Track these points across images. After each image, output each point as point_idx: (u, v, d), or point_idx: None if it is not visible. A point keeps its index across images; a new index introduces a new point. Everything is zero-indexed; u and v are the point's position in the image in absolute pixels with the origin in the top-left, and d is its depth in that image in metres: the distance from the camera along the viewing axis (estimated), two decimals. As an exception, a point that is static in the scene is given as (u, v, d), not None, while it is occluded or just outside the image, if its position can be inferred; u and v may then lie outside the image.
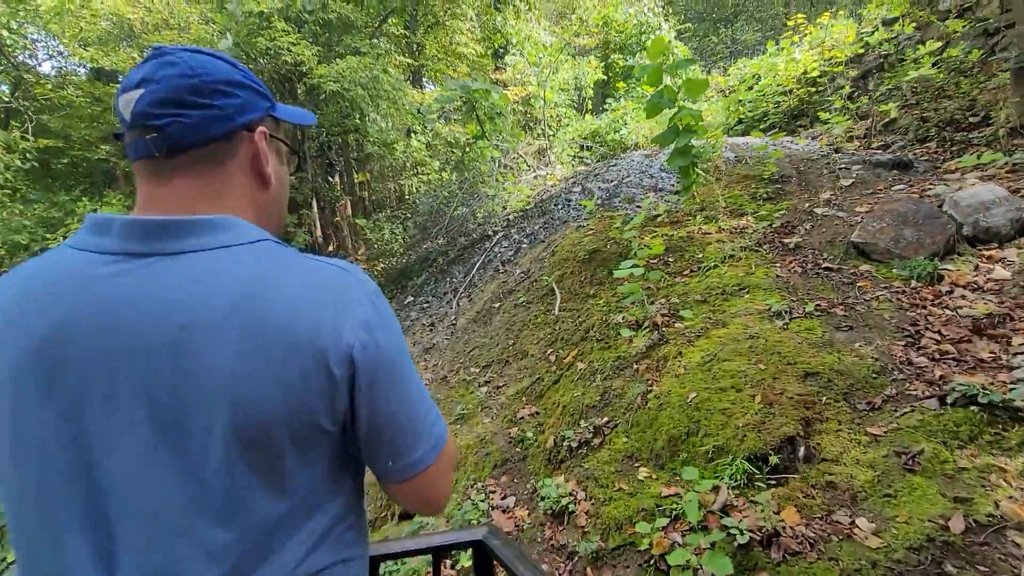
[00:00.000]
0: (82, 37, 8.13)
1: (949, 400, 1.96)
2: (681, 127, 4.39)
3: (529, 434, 3.00)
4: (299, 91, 7.94)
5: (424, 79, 13.04)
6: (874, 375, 2.20)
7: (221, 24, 5.67)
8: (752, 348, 2.53)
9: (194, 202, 0.66)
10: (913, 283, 2.94)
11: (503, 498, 2.72)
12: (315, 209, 9.22)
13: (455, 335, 4.75)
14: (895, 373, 2.19)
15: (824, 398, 2.12)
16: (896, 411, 1.99)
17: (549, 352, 3.71)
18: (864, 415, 2.02)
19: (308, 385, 0.58)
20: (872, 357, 2.29)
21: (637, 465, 2.34)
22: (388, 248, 8.03)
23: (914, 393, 2.06)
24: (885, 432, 1.91)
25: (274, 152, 0.76)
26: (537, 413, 3.25)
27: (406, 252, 7.82)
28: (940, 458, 1.80)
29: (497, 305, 4.68)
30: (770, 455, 1.99)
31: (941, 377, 2.10)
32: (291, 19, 6.02)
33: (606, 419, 2.68)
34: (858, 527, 1.70)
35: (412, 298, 6.16)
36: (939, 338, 2.35)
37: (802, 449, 1.98)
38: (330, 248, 12.43)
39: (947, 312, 2.58)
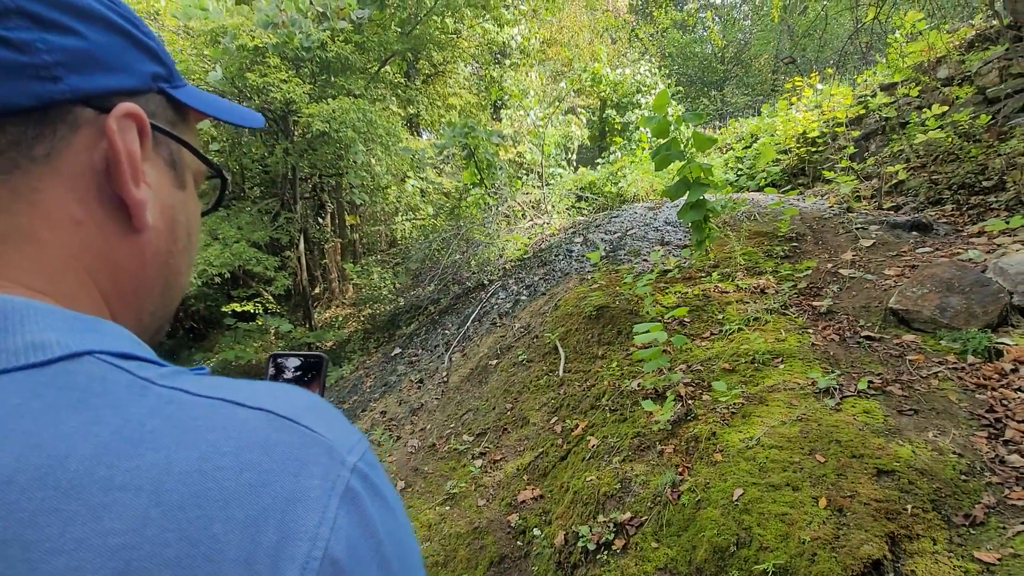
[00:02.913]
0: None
1: (1066, 515, 1.58)
2: (691, 180, 4.18)
3: (535, 528, 2.53)
4: (294, 132, 7.76)
5: (421, 127, 13.08)
6: (963, 476, 1.81)
7: (212, 56, 5.48)
8: (803, 433, 2.15)
9: None
10: (970, 358, 2.61)
11: (502, 611, 2.23)
12: (302, 250, 8.85)
13: (446, 395, 4.30)
14: (987, 475, 1.81)
15: (909, 506, 1.72)
16: (1005, 528, 1.60)
17: (554, 421, 3.27)
18: (965, 533, 1.63)
19: None
20: (953, 452, 1.92)
21: (674, 582, 1.89)
22: (376, 294, 7.63)
23: (1021, 504, 1.67)
24: (999, 559, 1.51)
25: (163, 164, 0.39)
26: (541, 497, 2.78)
27: (396, 298, 7.42)
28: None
29: (494, 363, 4.27)
30: (851, 583, 1.57)
31: (1048, 483, 1.72)
32: (288, 57, 5.86)
33: (629, 515, 2.24)
34: None
35: (400, 350, 5.71)
36: (1027, 429, 1.99)
37: (892, 577, 1.56)
38: (316, 290, 12.00)
39: (1022, 395, 2.24)
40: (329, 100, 5.92)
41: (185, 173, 0.42)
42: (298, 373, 0.62)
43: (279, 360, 0.63)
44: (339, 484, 0.29)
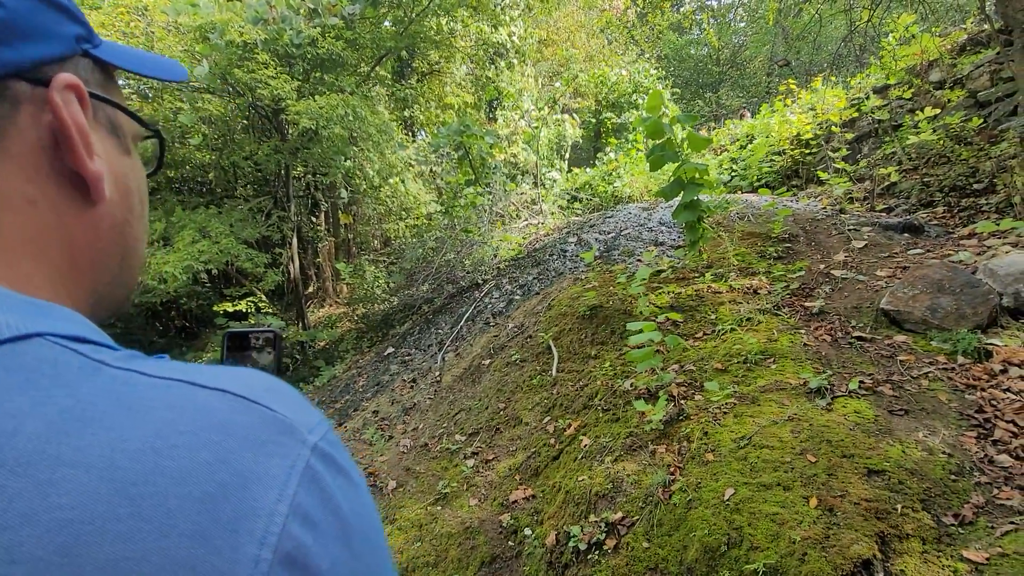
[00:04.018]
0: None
1: (1054, 515, 1.59)
2: (686, 180, 4.18)
3: (526, 528, 2.52)
4: (288, 130, 7.70)
5: (415, 127, 13.03)
6: (952, 476, 1.82)
7: (203, 52, 5.43)
8: (794, 433, 2.15)
9: None
10: (960, 359, 2.62)
11: (493, 611, 2.21)
12: (295, 248, 8.79)
13: (439, 394, 4.28)
14: (976, 475, 1.82)
15: (899, 506, 1.72)
16: (994, 528, 1.60)
17: (546, 421, 3.27)
18: (954, 533, 1.63)
19: None
20: (943, 452, 1.92)
21: (665, 582, 1.89)
22: (370, 293, 7.60)
23: (1009, 504, 1.68)
24: (988, 559, 1.51)
25: (105, 132, 0.37)
26: (533, 496, 2.77)
27: (389, 297, 7.39)
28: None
29: (487, 362, 4.25)
30: (841, 583, 1.56)
31: (1036, 483, 1.73)
32: (279, 54, 5.81)
33: (620, 514, 2.23)
34: None
35: (393, 349, 5.69)
36: (1015, 429, 2.00)
37: (882, 577, 1.56)
38: (309, 289, 11.93)
39: (1011, 396, 2.25)
40: (316, 97, 5.88)
41: (123, 135, 0.41)
42: (253, 349, 0.63)
43: (233, 337, 0.64)
44: (299, 463, 0.29)
